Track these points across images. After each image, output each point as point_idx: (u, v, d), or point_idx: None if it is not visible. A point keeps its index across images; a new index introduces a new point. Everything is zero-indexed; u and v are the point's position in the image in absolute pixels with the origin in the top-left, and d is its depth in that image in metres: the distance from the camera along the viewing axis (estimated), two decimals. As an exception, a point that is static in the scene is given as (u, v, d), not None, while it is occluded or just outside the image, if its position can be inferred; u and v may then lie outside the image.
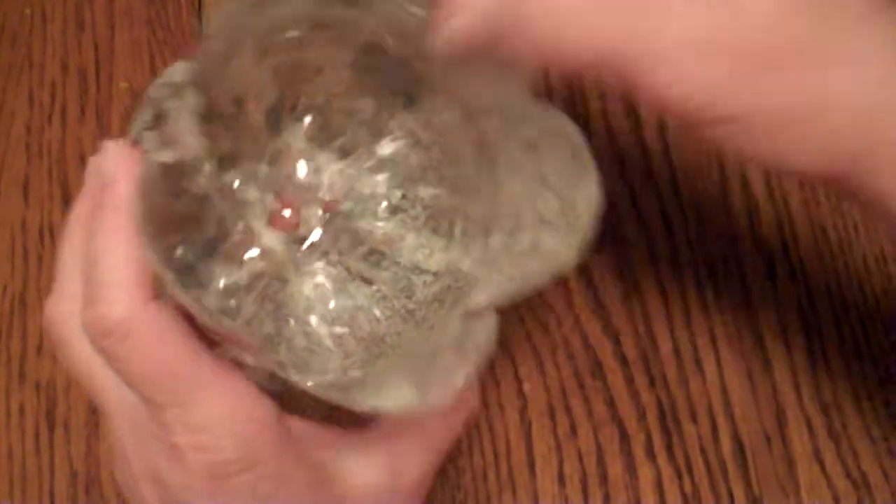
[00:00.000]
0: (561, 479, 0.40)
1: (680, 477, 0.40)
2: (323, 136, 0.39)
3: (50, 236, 0.44)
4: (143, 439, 0.29)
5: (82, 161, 0.46)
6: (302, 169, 0.39)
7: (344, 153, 0.39)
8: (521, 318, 0.43)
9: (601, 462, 0.40)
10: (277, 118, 0.39)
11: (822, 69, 0.27)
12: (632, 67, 0.26)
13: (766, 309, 0.42)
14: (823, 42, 0.27)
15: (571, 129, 0.31)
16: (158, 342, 0.27)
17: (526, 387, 0.42)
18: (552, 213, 0.32)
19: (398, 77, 0.38)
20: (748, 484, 0.40)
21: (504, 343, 0.42)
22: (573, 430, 0.41)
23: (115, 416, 0.29)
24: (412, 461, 0.31)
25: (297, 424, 0.30)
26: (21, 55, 0.48)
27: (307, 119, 0.39)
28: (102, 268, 0.28)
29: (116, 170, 0.28)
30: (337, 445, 0.30)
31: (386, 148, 0.39)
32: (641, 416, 0.41)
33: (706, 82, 0.27)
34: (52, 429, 0.40)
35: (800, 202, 0.45)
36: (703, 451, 0.40)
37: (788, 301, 0.42)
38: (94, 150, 0.45)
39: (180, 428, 0.27)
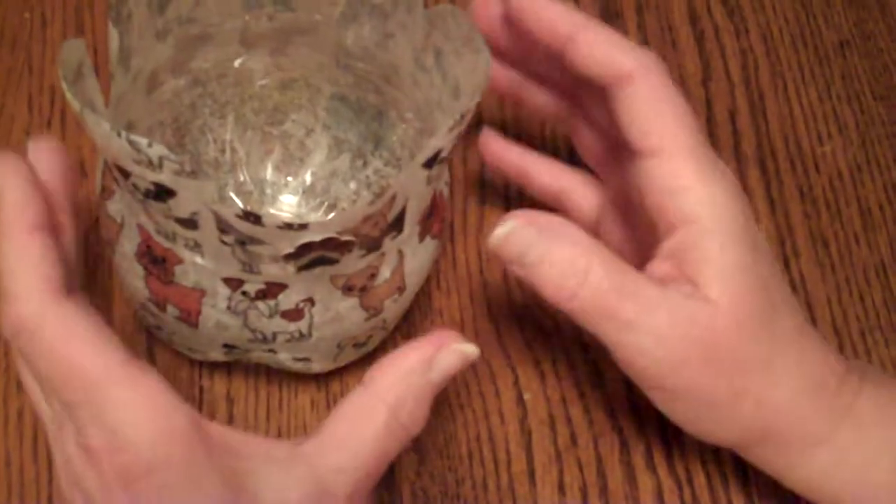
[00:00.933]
0: (561, 488, 0.40)
1: (680, 488, 0.40)
2: (310, 201, 0.43)
3: (49, 241, 0.44)
4: (68, 447, 0.28)
5: (82, 167, 0.46)
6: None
7: (330, 209, 0.43)
8: (521, 327, 0.43)
9: (601, 472, 0.40)
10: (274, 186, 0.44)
11: (748, 374, 0.34)
12: (613, 338, 0.34)
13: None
14: (758, 355, 0.34)
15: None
16: (69, 338, 0.27)
17: (526, 396, 0.42)
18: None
19: (364, 120, 0.42)
20: (749, 496, 0.40)
21: (505, 352, 0.42)
22: (573, 439, 0.41)
23: (61, 428, 0.29)
24: (340, 480, 0.29)
25: (218, 430, 0.29)
26: (20, 60, 0.48)
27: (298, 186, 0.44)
28: (8, 274, 0.28)
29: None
30: (260, 455, 0.29)
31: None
32: (642, 427, 0.41)
33: (664, 365, 0.34)
34: (50, 435, 0.40)
35: (801, 215, 0.46)
36: (703, 462, 0.40)
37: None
38: (94, 155, 0.46)
39: (93, 430, 0.27)
